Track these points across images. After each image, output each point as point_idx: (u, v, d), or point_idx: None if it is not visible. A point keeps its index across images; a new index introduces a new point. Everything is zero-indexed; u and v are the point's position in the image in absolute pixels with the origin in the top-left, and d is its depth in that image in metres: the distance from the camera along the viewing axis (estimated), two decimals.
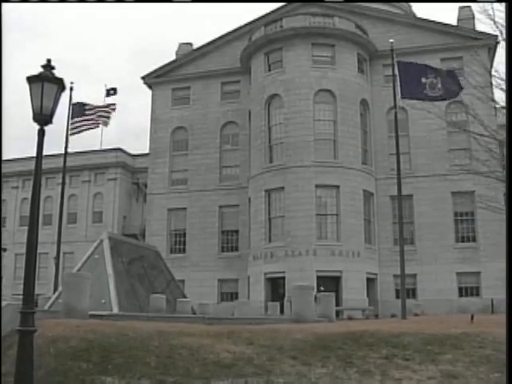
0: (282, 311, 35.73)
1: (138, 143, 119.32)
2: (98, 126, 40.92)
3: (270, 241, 44.43)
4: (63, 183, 36.93)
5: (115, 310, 21.03)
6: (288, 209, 43.68)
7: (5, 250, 53.14)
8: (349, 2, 49.57)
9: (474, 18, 47.95)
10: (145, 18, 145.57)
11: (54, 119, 10.79)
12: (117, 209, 64.55)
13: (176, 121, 53.43)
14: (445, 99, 30.55)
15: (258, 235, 44.95)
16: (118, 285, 23.10)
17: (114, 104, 41.66)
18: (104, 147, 63.73)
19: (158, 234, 50.68)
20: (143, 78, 55.16)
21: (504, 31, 26.14)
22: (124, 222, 65.08)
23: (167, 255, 46.57)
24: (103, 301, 21.65)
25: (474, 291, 43.94)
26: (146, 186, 56.62)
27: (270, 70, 47.92)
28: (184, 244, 50.78)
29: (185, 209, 51.27)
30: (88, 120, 39.50)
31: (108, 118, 40.73)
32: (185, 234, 50.92)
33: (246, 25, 52.43)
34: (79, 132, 39.37)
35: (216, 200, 50.30)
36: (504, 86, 25.62)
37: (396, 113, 30.09)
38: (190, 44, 56.54)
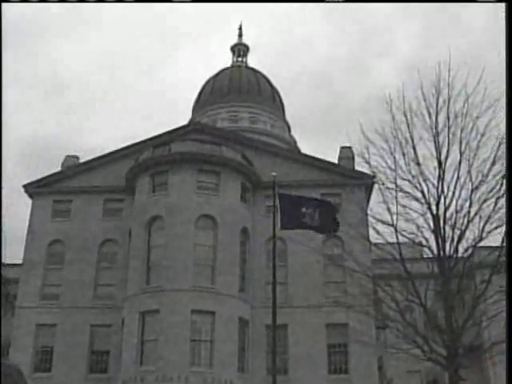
0: None
1: (11, 252, 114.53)
2: None
3: (141, 364, 42.98)
4: None
5: None
6: (162, 332, 42.65)
7: None
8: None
9: (353, 158, 49.34)
10: (35, 125, 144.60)
11: None
12: None
13: (54, 233, 51.75)
14: (321, 232, 31.56)
15: (129, 358, 43.31)
16: None
17: None
18: None
19: (23, 350, 47.50)
20: (24, 186, 53.57)
21: (377, 173, 28.09)
22: None
23: (31, 374, 44.02)
24: None
25: None
26: (15, 297, 53.93)
27: (154, 192, 48.10)
28: (50, 362, 47.78)
29: (55, 325, 48.72)
30: None
31: None
32: (52, 352, 48.15)
33: (133, 145, 52.85)
34: None
35: (88, 318, 48.21)
36: (376, 226, 27.21)
37: (274, 243, 30.80)
38: (77, 157, 56.08)
